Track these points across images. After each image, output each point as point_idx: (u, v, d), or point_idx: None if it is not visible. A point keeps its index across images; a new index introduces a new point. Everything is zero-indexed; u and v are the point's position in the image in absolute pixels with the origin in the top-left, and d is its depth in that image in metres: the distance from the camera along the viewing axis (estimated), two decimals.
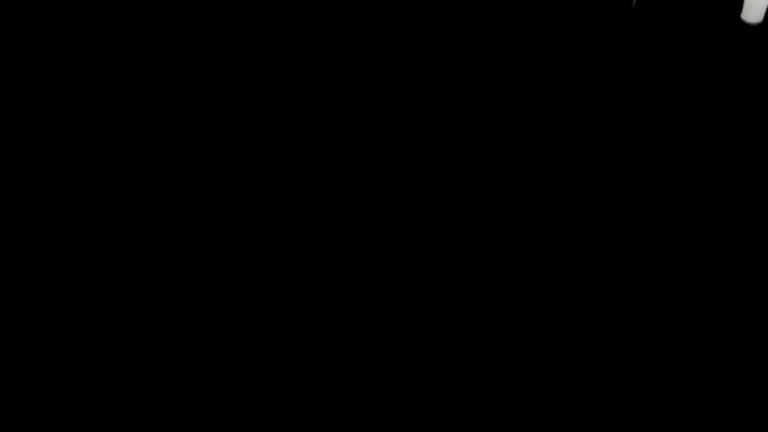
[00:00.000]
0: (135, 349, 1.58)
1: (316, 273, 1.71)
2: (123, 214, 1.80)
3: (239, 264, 1.72)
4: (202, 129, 1.96)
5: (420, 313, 1.64)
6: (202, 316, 1.64)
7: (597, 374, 1.54)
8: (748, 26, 2.00)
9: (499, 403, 1.51)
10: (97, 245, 1.75)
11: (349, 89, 2.04)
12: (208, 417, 1.50)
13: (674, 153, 1.89)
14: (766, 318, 1.58)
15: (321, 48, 2.10)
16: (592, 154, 1.90)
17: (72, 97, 2.00)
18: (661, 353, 1.57)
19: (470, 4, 2.14)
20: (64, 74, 2.03)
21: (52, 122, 1.95)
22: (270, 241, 1.76)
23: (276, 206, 1.83)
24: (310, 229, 1.78)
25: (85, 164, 1.89)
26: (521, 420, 1.49)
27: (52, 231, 1.77)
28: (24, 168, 1.87)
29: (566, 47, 2.09)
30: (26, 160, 1.89)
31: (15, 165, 1.87)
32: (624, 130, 1.94)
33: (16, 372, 1.54)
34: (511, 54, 2.08)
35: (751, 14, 1.97)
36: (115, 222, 1.79)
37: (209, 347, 1.59)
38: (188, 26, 2.11)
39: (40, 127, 1.94)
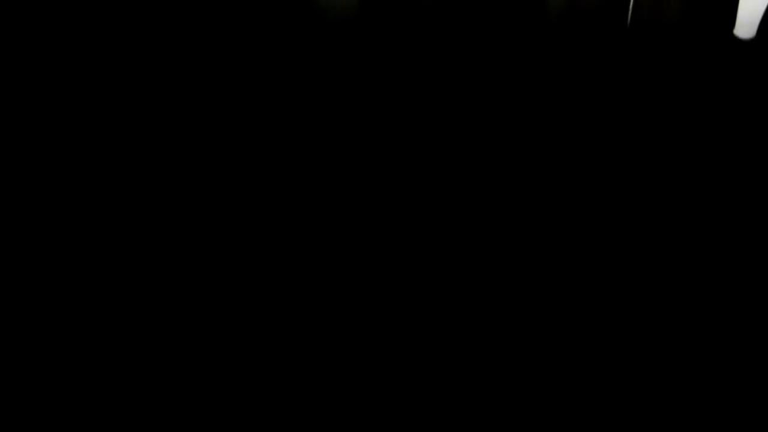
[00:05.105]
0: (135, 349, 1.58)
1: (315, 273, 1.71)
2: (123, 215, 1.80)
3: (239, 264, 1.72)
4: (203, 130, 1.98)
5: (420, 313, 1.64)
6: (201, 316, 1.64)
7: (597, 374, 1.54)
8: (741, 41, 2.04)
9: (499, 402, 1.51)
10: (97, 245, 1.75)
11: (349, 91, 2.06)
12: (208, 417, 1.49)
13: (668, 167, 1.91)
14: (766, 318, 1.59)
15: (321, 53, 2.12)
16: (587, 168, 1.92)
17: (72, 98, 2.01)
18: (660, 353, 1.57)
19: (467, 13, 2.17)
20: (64, 75, 2.04)
21: (53, 123, 1.96)
22: (270, 242, 1.77)
23: (276, 207, 1.83)
24: (310, 230, 1.79)
25: (85, 164, 1.89)
26: (521, 420, 1.49)
27: (52, 231, 1.77)
28: (24, 168, 1.88)
29: (562, 62, 2.12)
30: (26, 160, 1.89)
31: (15, 165, 1.88)
32: (619, 144, 1.96)
33: (16, 372, 1.53)
34: (507, 73, 2.11)
35: (744, 29, 2.00)
36: (115, 222, 1.79)
37: (209, 347, 1.59)
38: (188, 27, 2.13)
39: (40, 128, 1.95)
